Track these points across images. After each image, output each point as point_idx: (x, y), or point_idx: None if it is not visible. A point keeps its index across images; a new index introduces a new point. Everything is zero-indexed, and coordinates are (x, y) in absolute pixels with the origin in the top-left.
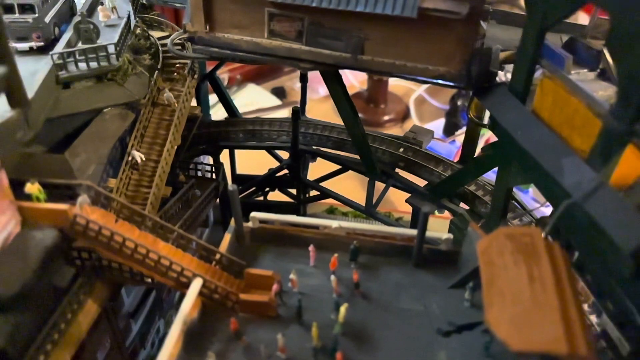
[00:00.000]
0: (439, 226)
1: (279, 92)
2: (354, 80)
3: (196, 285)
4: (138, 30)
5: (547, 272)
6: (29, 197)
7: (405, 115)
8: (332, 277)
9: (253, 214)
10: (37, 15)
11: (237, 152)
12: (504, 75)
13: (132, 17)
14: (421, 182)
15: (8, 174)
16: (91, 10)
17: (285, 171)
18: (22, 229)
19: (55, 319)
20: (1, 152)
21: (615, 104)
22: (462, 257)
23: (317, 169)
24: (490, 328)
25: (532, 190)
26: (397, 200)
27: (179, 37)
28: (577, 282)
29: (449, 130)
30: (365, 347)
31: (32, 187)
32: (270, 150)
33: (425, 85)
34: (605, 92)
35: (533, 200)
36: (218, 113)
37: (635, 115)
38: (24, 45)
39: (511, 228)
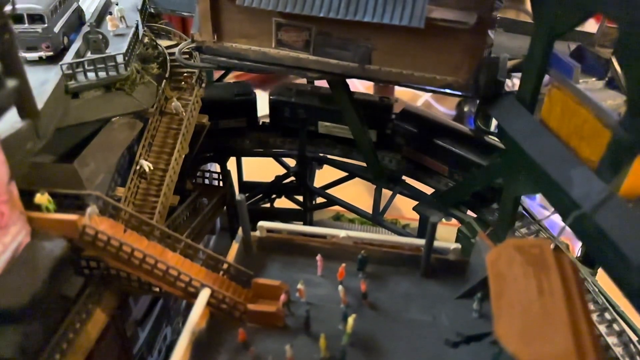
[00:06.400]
0: (446, 234)
1: None
2: (360, 86)
3: (204, 295)
4: (146, 40)
5: (557, 284)
6: (38, 208)
7: None
8: (340, 287)
9: (261, 223)
10: (46, 25)
11: (243, 159)
12: (510, 83)
13: (140, 27)
14: (428, 190)
15: (18, 184)
16: (100, 19)
17: (292, 178)
18: (31, 240)
19: (64, 328)
20: (11, 163)
21: (625, 114)
22: (470, 267)
23: (323, 176)
24: (500, 341)
25: (540, 196)
26: (404, 208)
27: (187, 47)
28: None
29: None
30: (373, 357)
31: (42, 198)
32: (277, 157)
33: None
34: (614, 101)
35: (540, 206)
36: None
37: None
38: (33, 55)
39: (520, 240)
